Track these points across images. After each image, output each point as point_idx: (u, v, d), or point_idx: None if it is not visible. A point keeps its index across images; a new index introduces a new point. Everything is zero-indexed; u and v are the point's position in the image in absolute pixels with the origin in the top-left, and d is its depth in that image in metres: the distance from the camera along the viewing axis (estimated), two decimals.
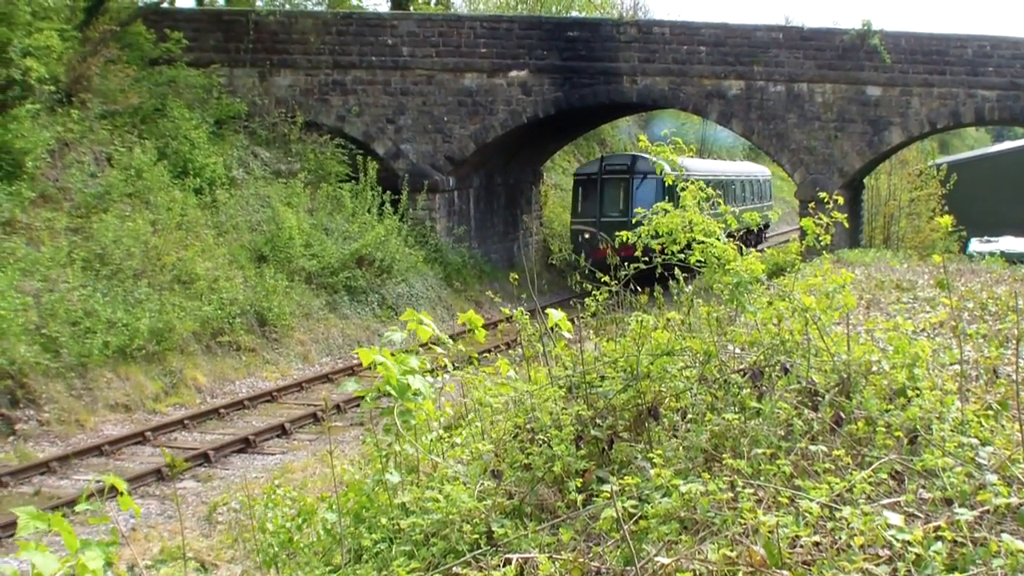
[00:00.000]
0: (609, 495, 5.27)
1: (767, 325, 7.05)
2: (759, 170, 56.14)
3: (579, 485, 6.00)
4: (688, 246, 7.44)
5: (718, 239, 7.15)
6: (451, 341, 6.97)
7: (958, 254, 26.99)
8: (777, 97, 32.67)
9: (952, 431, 5.68)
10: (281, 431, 18.10)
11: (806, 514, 4.74)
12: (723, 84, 32.94)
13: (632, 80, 33.35)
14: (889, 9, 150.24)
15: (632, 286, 8.54)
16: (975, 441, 5.47)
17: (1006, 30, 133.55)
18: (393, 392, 6.21)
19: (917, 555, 4.27)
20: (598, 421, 6.70)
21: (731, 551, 4.57)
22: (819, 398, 6.24)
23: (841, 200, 7.69)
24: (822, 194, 7.99)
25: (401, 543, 5.95)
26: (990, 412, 6.10)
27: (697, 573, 4.51)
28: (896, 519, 4.46)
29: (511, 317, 8.53)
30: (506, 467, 6.70)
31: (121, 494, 4.97)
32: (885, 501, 4.96)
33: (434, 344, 6.85)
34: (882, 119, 31.97)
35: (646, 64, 33.20)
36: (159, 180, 25.20)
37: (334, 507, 6.71)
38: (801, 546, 4.62)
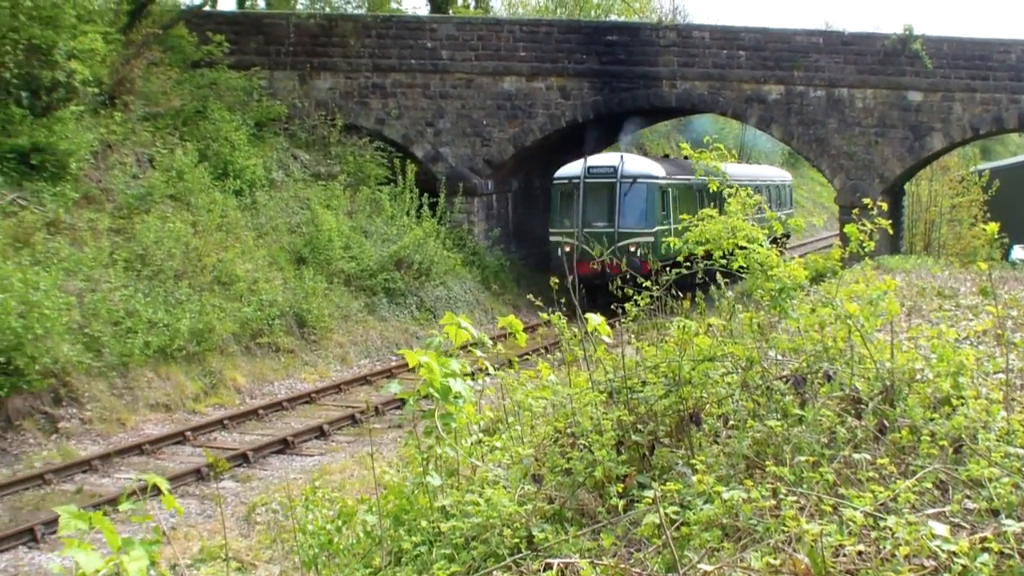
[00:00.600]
0: (651, 501, 5.27)
1: (809, 332, 7.01)
2: (778, 174, 52.11)
3: (620, 490, 5.99)
4: (730, 252, 7.42)
5: (761, 245, 7.12)
6: (492, 343, 6.98)
7: (1000, 261, 26.73)
8: (817, 102, 32.48)
9: (998, 441, 5.63)
10: (319, 432, 18.17)
11: (850, 523, 4.70)
12: (763, 89, 32.79)
13: (671, 84, 33.28)
14: (931, 14, 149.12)
15: (672, 291, 8.51)
16: (1022, 451, 5.41)
17: None
18: (435, 395, 6.22)
19: (963, 566, 4.23)
20: (639, 426, 6.68)
21: (774, 559, 4.55)
22: (862, 406, 6.19)
23: (885, 206, 7.64)
24: (866, 200, 7.92)
25: (441, 546, 5.96)
26: None
27: None
28: (942, 529, 4.42)
29: (550, 321, 8.53)
30: (546, 471, 6.70)
31: (163, 493, 5.02)
32: (930, 511, 4.92)
33: (473, 347, 6.85)
34: (923, 124, 31.72)
35: (685, 68, 33.12)
36: (200, 182, 25.40)
37: (374, 509, 6.74)
38: (845, 555, 4.59)
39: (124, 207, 23.50)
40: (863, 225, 7.09)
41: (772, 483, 5.33)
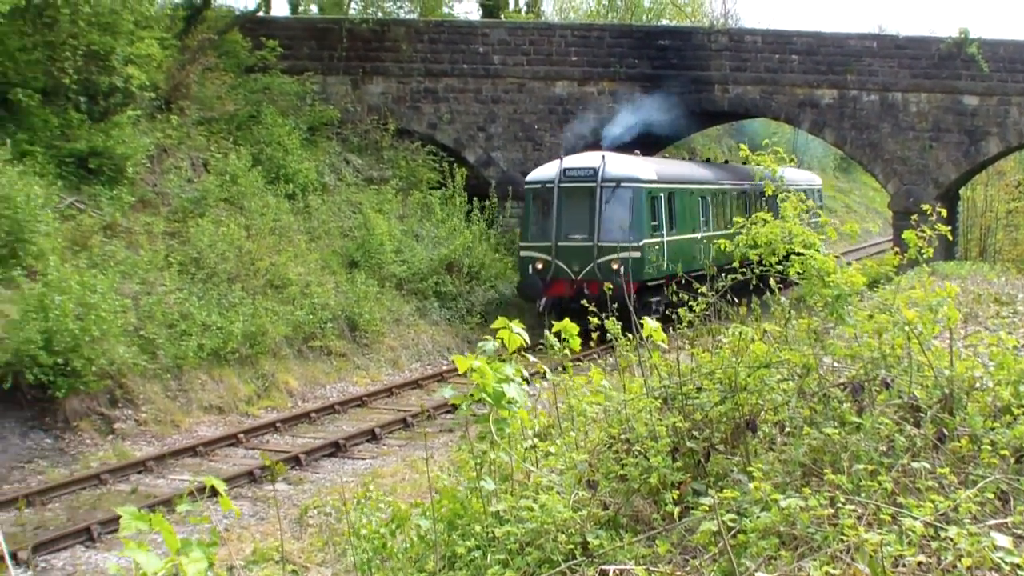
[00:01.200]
0: (707, 508, 5.24)
1: (867, 338, 6.94)
2: (805, 177, 45.93)
3: (675, 497, 5.97)
4: (784, 257, 7.37)
5: (818, 250, 7.06)
6: (556, 343, 7.00)
7: None
8: (871, 106, 32.19)
9: None
10: (371, 436, 18.23)
11: (909, 533, 4.66)
12: (815, 93, 32.55)
13: (723, 89, 33.13)
14: (987, 17, 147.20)
15: (728, 297, 8.45)
16: None
17: None
18: (488, 400, 6.22)
19: None
20: (694, 433, 6.65)
21: (833, 568, 4.51)
22: (921, 414, 6.13)
23: (944, 212, 7.56)
24: (924, 206, 7.85)
25: (495, 551, 5.96)
26: None
27: None
28: (1004, 540, 4.37)
29: (604, 327, 8.52)
30: (600, 477, 6.68)
31: (220, 495, 5.07)
32: (992, 522, 4.86)
33: (526, 352, 6.85)
34: (979, 129, 31.34)
35: (737, 73, 32.96)
36: (253, 186, 25.62)
37: (427, 513, 6.75)
38: (905, 566, 4.54)
39: (179, 211, 23.75)
40: (922, 231, 7.03)
41: (830, 491, 5.29)
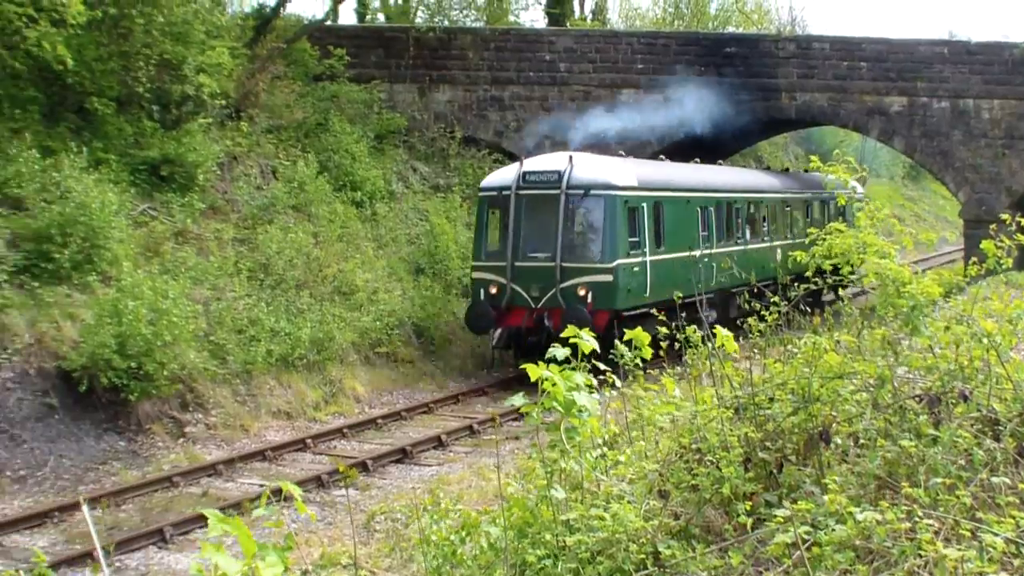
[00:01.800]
0: (782, 520, 5.21)
1: (942, 350, 6.86)
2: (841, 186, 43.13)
3: (748, 508, 5.93)
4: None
5: (893, 260, 6.99)
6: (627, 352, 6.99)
7: None
8: (941, 114, 31.77)
9: None
10: (437, 443, 18.30)
11: (990, 549, 4.59)
12: (884, 100, 32.18)
13: (790, 96, 32.87)
14: None
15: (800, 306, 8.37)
16: None
17: None
18: (559, 408, 6.22)
19: None
20: (767, 444, 6.61)
21: None
22: (1000, 427, 6.04)
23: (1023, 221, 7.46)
24: (1004, 216, 7.74)
25: (566, 560, 5.95)
26: None
27: None
28: None
29: (674, 335, 8.49)
30: (671, 487, 6.66)
31: (295, 499, 5.13)
32: None
33: (595, 360, 6.83)
34: None
35: (805, 80, 32.68)
36: (321, 193, 25.86)
37: (497, 521, 6.76)
38: None
39: (248, 217, 24.04)
40: (1001, 241, 6.93)
41: (906, 505, 5.23)
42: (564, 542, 6.06)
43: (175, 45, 23.10)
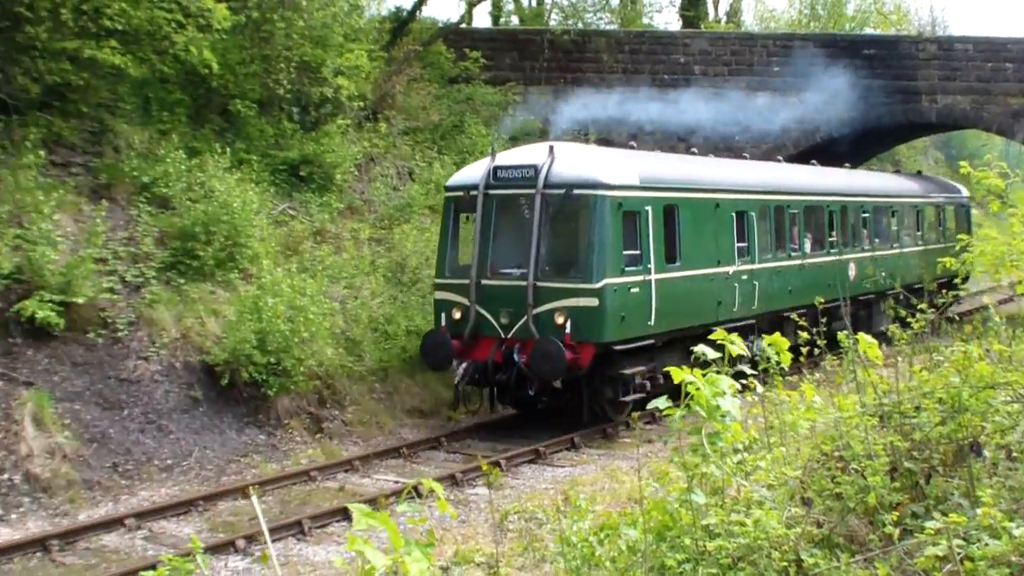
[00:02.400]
0: (932, 531, 5.12)
1: None
2: (946, 190, 36.05)
3: (895, 519, 5.85)
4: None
5: None
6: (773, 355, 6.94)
7: None
8: None
9: None
10: (570, 444, 18.34)
11: None
12: None
13: (931, 99, 32.05)
14: None
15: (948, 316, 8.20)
16: None
17: None
18: (702, 412, 6.21)
19: None
20: (914, 453, 6.51)
21: None
22: None
23: None
24: None
25: (706, 565, 5.94)
26: None
27: None
28: None
29: (815, 341, 8.41)
30: (813, 495, 6.60)
31: (421, 496, 5.23)
32: None
33: (742, 365, 6.80)
34: None
35: (946, 82, 31.84)
36: None
37: (636, 524, 6.78)
38: None
39: (384, 217, 24.44)
40: None
41: None
42: (704, 547, 6.05)
43: (314, 48, 23.60)
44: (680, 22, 44.46)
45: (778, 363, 6.86)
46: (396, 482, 15.75)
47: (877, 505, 6.09)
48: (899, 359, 7.82)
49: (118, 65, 18.86)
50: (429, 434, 18.99)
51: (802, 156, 31.29)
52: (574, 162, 18.76)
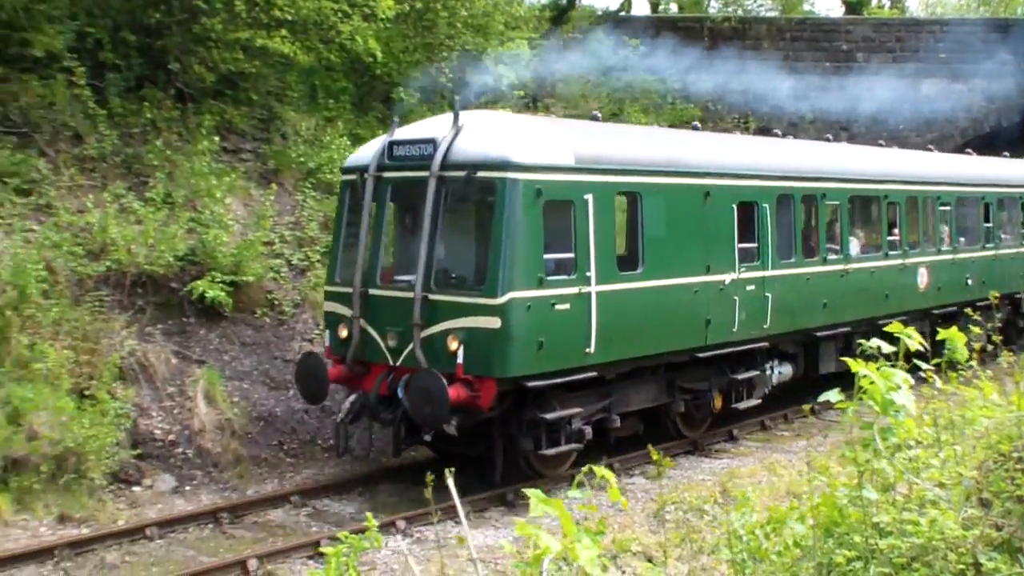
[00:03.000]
0: None
1: None
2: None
3: None
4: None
5: None
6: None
7: None
8: None
9: None
10: (728, 436, 18.23)
11: None
12: None
13: None
14: None
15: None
16: None
17: None
18: (875, 407, 6.10)
19: None
20: None
21: None
22: None
23: None
24: None
25: (878, 564, 5.84)
26: None
27: None
28: None
29: (991, 337, 8.17)
30: (991, 496, 6.42)
31: (611, 485, 5.25)
32: None
33: (916, 359, 6.67)
34: None
35: None
36: None
37: (803, 518, 6.71)
38: None
39: None
40: None
41: None
42: (875, 545, 5.95)
43: (475, 36, 23.87)
44: (843, 8, 43.52)
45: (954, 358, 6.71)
46: (584, 471, 15.42)
47: None
48: None
49: (287, 54, 19.47)
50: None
51: (970, 146, 30.30)
52: (484, 135, 14.08)
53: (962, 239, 24.20)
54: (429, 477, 6.71)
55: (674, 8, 42.13)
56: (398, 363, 14.01)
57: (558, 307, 13.73)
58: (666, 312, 15.48)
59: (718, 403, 17.24)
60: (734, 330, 16.65)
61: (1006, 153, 29.16)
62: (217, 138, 18.76)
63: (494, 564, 11.87)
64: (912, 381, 6.28)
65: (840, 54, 33.03)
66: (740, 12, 34.40)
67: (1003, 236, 25.93)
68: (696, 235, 16.13)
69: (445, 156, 13.87)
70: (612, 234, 14.76)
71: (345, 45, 21.04)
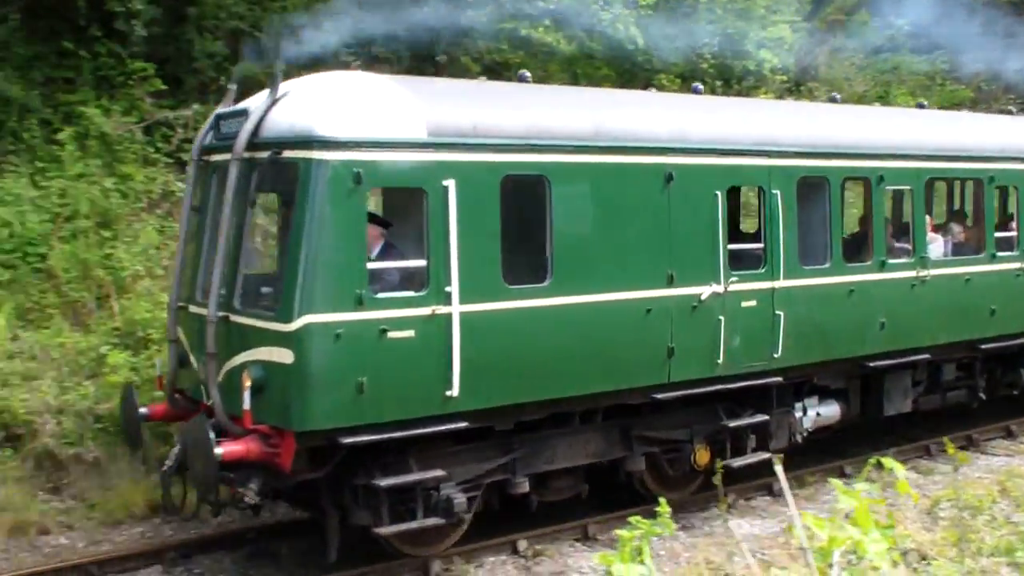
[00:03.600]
0: None
1: None
2: None
3: None
4: None
5: None
6: None
7: None
8: None
9: None
10: (1006, 432, 17.39)
11: None
12: None
13: None
14: None
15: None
16: None
17: None
18: None
19: None
20: None
21: None
22: None
23: None
24: None
25: None
26: None
27: None
28: None
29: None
30: None
31: (897, 479, 5.08)
32: None
33: None
34: None
35: None
36: None
37: None
38: None
39: None
40: None
41: None
42: None
43: (736, 21, 23.59)
44: None
45: None
46: (872, 463, 15.07)
47: None
48: None
49: (550, 43, 19.72)
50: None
51: None
52: (300, 102, 10.20)
53: None
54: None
55: None
56: (208, 399, 10.26)
57: (393, 335, 9.78)
58: (593, 339, 11.21)
59: (701, 458, 12.57)
60: (718, 362, 12.30)
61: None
62: None
63: (760, 554, 11.66)
64: None
65: None
66: None
67: None
68: (650, 233, 11.73)
69: (255, 132, 10.10)
70: (494, 233, 10.45)
71: (606, 32, 21.15)
